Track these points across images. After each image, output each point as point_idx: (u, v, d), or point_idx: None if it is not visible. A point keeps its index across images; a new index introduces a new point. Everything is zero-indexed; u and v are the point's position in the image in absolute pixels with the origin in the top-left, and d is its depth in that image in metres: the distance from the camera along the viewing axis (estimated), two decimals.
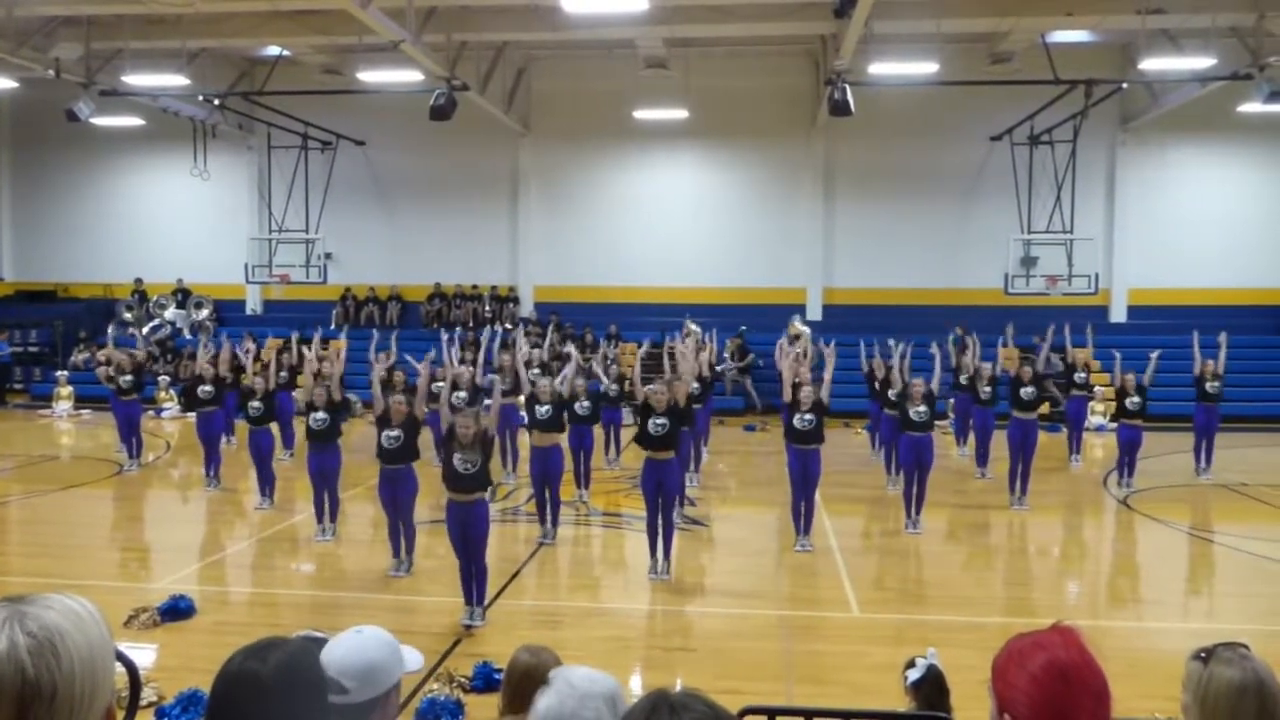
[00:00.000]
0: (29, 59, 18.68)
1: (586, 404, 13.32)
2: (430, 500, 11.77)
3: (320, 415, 11.26)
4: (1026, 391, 13.67)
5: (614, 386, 15.83)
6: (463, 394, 13.94)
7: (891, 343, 15.19)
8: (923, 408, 12.04)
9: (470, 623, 8.39)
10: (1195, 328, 23.38)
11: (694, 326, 22.88)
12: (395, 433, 9.97)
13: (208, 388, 14.25)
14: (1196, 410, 15.60)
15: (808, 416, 10.85)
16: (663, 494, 9.87)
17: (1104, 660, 1.89)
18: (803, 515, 11.07)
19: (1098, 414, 19.89)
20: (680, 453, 10.67)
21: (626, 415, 17.10)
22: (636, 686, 7.08)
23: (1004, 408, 14.52)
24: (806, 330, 22.56)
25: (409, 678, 6.85)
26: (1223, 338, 15.85)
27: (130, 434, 15.83)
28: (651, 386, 10.29)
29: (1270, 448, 18.79)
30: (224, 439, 15.92)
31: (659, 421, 9.78)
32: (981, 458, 15.55)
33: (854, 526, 12.52)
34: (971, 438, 16.51)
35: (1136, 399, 14.18)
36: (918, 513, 12.04)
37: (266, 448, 13.21)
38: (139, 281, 26.63)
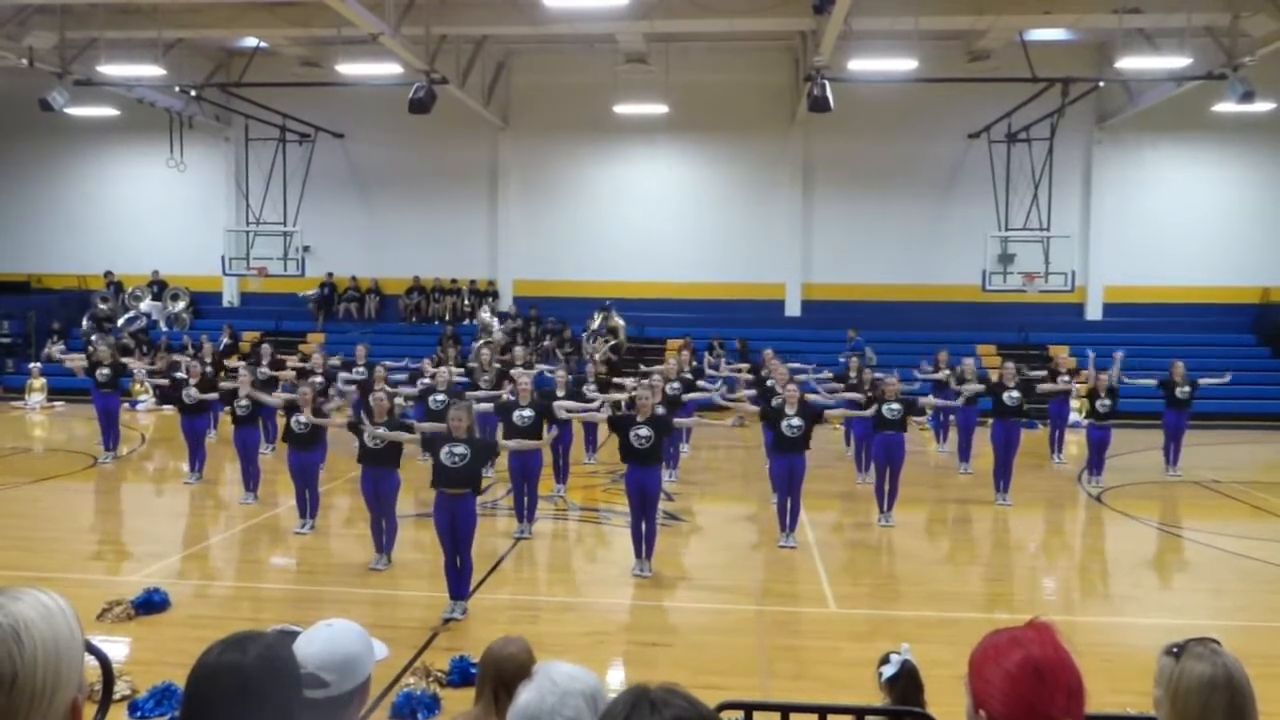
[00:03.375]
0: (2, 48, 18.47)
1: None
2: (413, 495, 11.76)
3: (303, 419, 11.16)
4: (1011, 397, 13.72)
5: (592, 386, 15.77)
6: (441, 397, 13.86)
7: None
8: (896, 406, 12.14)
9: (452, 616, 8.38)
10: (1170, 325, 23.84)
11: (489, 320, 23.26)
12: (382, 432, 9.92)
13: (193, 392, 14.08)
14: (1166, 413, 15.70)
15: (795, 422, 10.84)
16: (645, 498, 9.87)
17: (1077, 655, 1.91)
18: (788, 513, 11.10)
19: (1075, 410, 20.00)
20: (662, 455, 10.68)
21: (605, 410, 17.09)
22: (614, 681, 7.09)
23: (985, 405, 14.63)
24: (622, 323, 23.03)
25: (385, 672, 6.83)
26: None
27: (109, 427, 15.70)
28: (639, 391, 10.31)
29: (1242, 445, 19.00)
30: (208, 433, 15.79)
31: (642, 434, 9.75)
32: (963, 452, 15.68)
33: (831, 521, 12.58)
34: (952, 434, 16.62)
35: (1107, 401, 14.29)
36: (890, 507, 12.16)
37: (253, 444, 13.14)
38: (109, 274, 26.40)
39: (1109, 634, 8.40)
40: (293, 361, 17.82)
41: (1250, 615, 8.97)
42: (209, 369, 15.76)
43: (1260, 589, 9.94)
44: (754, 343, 23.38)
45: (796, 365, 16.14)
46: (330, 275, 25.97)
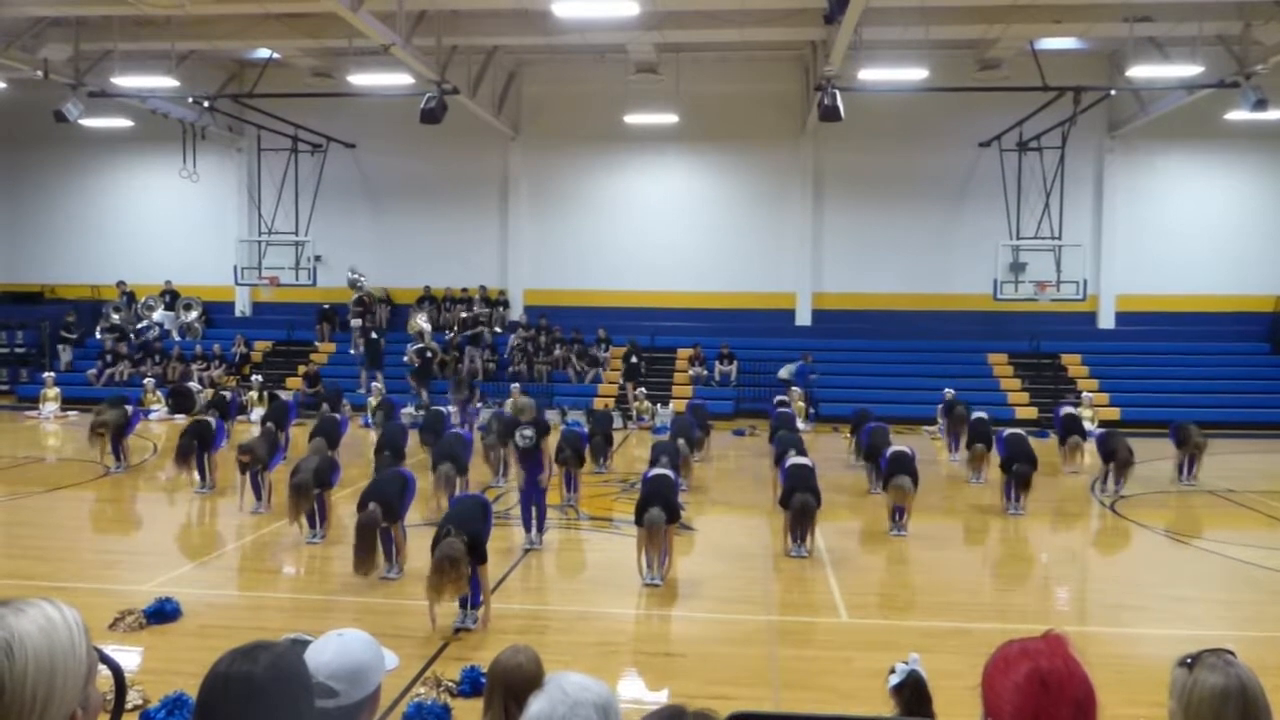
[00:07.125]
0: (17, 60, 18.62)
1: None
2: (424, 505, 11.76)
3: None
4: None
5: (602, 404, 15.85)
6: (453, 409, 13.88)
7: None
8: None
9: (463, 625, 8.37)
10: (1183, 334, 23.72)
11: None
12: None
13: (207, 418, 14.24)
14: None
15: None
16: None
17: (1090, 667, 1.91)
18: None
19: (1086, 419, 19.91)
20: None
21: (616, 419, 17.10)
22: (625, 692, 7.07)
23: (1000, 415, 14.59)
24: (428, 327, 23.78)
25: (396, 682, 6.82)
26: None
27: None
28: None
29: (1255, 454, 18.88)
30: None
31: (654, 512, 9.62)
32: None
33: (843, 531, 12.53)
34: (963, 444, 16.57)
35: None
36: (901, 517, 12.12)
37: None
38: (121, 284, 26.52)
39: (1122, 645, 8.36)
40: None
41: (1264, 626, 8.90)
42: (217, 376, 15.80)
43: (1274, 599, 9.86)
44: (764, 352, 23.40)
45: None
46: (327, 306, 26.04)
